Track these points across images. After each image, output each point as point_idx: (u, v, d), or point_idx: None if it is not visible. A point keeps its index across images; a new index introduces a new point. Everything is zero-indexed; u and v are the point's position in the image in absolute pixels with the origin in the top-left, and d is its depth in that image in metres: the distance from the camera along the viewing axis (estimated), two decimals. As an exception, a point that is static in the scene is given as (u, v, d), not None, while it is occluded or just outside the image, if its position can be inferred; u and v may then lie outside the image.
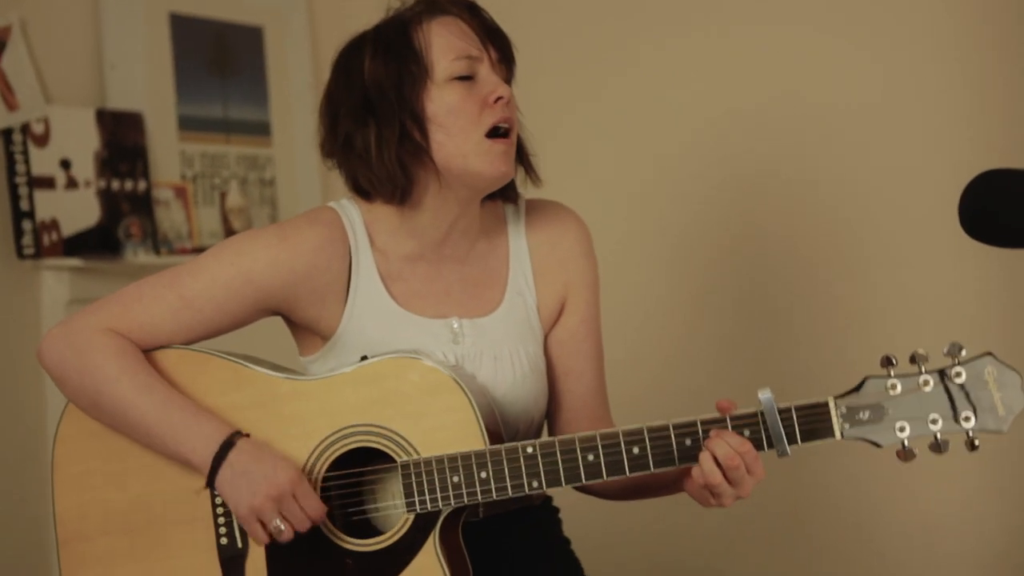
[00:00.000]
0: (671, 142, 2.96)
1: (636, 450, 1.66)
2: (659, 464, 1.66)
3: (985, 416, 1.60)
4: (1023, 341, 2.48)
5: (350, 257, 1.80)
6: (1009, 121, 2.59)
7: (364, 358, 1.74)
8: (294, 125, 3.36)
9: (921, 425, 1.61)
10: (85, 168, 2.89)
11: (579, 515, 2.04)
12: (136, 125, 2.99)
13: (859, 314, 2.75)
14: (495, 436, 1.74)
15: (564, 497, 1.97)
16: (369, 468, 1.74)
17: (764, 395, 1.63)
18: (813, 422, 1.63)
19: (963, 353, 1.61)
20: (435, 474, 1.69)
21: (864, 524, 2.74)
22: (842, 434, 1.63)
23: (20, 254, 2.78)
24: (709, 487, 1.64)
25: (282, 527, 1.67)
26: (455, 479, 1.69)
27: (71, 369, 1.74)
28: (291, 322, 1.85)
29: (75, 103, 2.92)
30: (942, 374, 1.61)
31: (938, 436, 1.61)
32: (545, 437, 1.84)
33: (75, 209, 2.85)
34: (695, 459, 1.65)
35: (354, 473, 1.73)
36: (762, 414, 1.63)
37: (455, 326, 1.81)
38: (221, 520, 1.74)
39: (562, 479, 1.68)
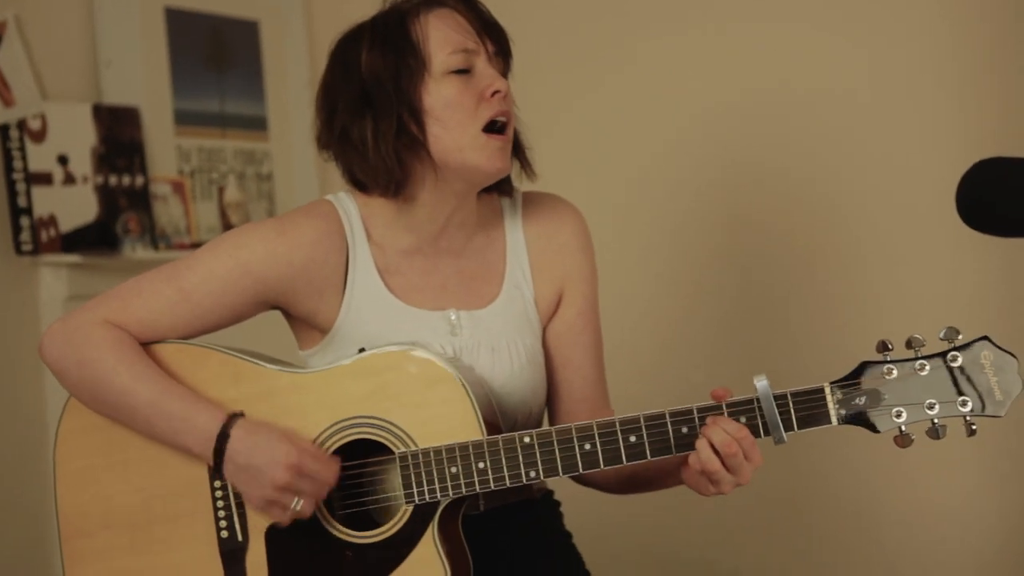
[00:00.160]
0: (668, 136, 2.97)
1: (633, 439, 1.66)
2: (656, 452, 1.66)
3: (982, 400, 1.60)
4: (1020, 328, 2.48)
5: (347, 250, 1.80)
6: (1004, 111, 2.59)
7: (362, 350, 1.74)
8: (291, 119, 3.36)
9: (918, 410, 1.61)
10: (82, 164, 2.89)
11: (579, 507, 2.04)
12: (133, 120, 3.00)
13: (855, 303, 2.75)
14: (492, 427, 1.74)
15: (564, 489, 1.97)
16: (368, 460, 1.74)
17: (760, 382, 1.63)
18: (809, 408, 1.63)
19: (959, 338, 1.61)
20: (433, 465, 1.69)
21: (863, 513, 2.75)
22: (838, 420, 1.63)
23: (18, 250, 2.78)
24: (707, 474, 1.64)
25: (300, 505, 1.68)
26: (453, 470, 1.69)
27: (71, 362, 1.75)
28: (290, 316, 1.85)
29: (71, 98, 2.92)
30: (938, 358, 1.61)
31: (935, 421, 1.61)
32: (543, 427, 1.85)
33: (73, 205, 2.85)
34: (692, 447, 1.65)
35: (353, 465, 1.74)
36: (758, 400, 1.64)
37: (453, 318, 1.81)
38: (221, 513, 1.74)
39: (559, 469, 1.68)
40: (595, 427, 1.67)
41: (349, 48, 1.79)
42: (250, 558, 1.73)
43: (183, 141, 3.12)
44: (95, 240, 2.88)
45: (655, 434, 1.66)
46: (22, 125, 2.79)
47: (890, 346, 1.62)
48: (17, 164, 2.78)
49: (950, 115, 2.64)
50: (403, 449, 1.71)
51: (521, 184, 1.89)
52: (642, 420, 1.66)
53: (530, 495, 1.87)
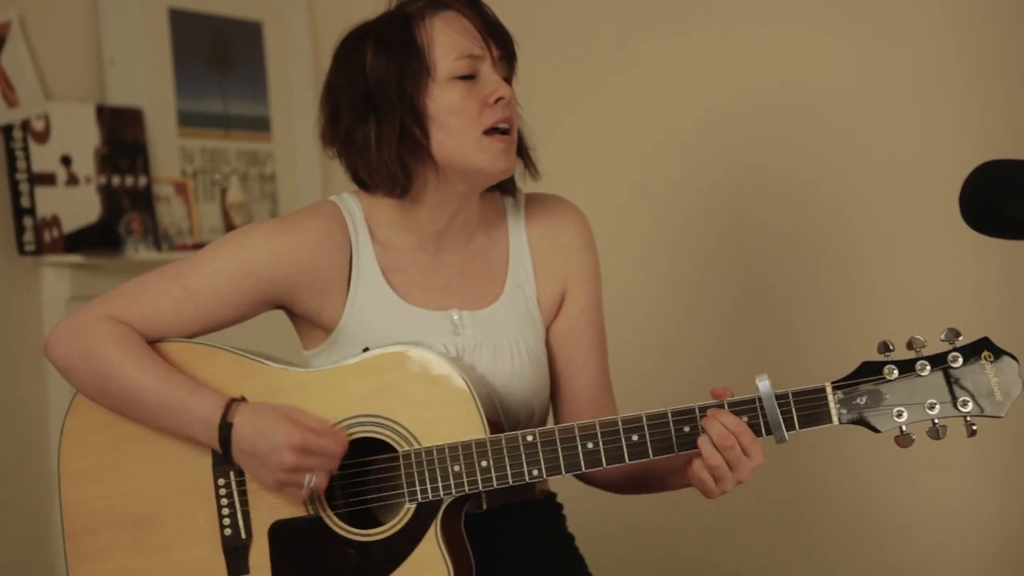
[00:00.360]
0: (670, 137, 2.97)
1: (635, 438, 1.67)
2: (658, 451, 1.67)
3: (983, 401, 1.61)
4: (1020, 330, 2.48)
5: (350, 250, 1.81)
6: (1006, 113, 2.59)
7: (366, 350, 1.75)
8: (294, 120, 3.37)
9: (919, 410, 1.62)
10: (85, 164, 2.89)
11: (580, 507, 2.05)
12: (136, 121, 3.00)
13: (857, 304, 2.76)
14: (495, 426, 1.75)
15: (567, 491, 1.98)
16: (371, 458, 1.75)
17: (762, 381, 1.64)
18: (810, 408, 1.63)
19: (960, 339, 1.62)
20: (436, 463, 1.70)
21: (864, 515, 2.75)
22: (839, 419, 1.63)
23: (21, 251, 2.78)
24: (711, 470, 1.64)
25: (313, 482, 1.68)
26: (456, 468, 1.69)
27: (76, 358, 1.76)
28: (293, 315, 1.86)
29: (75, 99, 2.92)
30: (939, 359, 1.62)
31: (936, 422, 1.62)
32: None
33: (76, 205, 2.86)
34: (694, 446, 1.66)
35: (356, 463, 1.74)
36: (760, 400, 1.64)
37: (455, 318, 1.82)
38: (225, 511, 1.75)
39: (562, 467, 1.69)
40: (597, 426, 1.67)
41: (354, 48, 1.79)
42: (253, 556, 1.74)
43: (186, 142, 3.13)
44: (98, 241, 2.89)
45: (657, 433, 1.66)
46: (26, 125, 2.79)
47: (891, 347, 1.63)
48: (20, 164, 2.78)
49: (952, 117, 2.64)
50: (406, 447, 1.71)
51: (524, 185, 1.90)
52: (644, 419, 1.67)
53: (532, 496, 1.87)
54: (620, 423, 1.67)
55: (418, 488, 1.70)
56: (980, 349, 1.61)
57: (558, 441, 1.68)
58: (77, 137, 2.88)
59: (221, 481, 1.75)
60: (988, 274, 2.60)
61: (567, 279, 1.89)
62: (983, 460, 2.61)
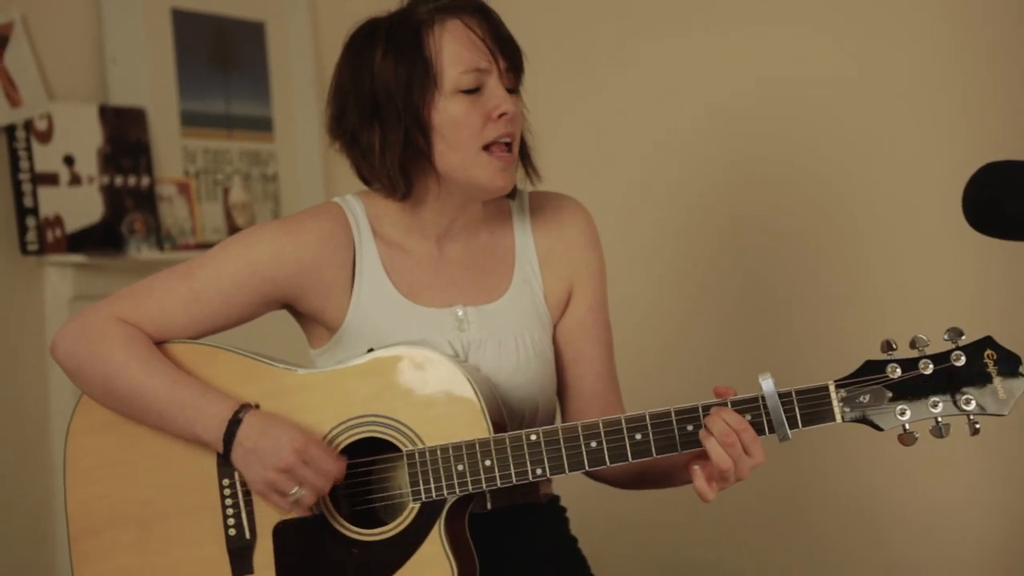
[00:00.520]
0: (670, 137, 2.97)
1: (639, 436, 1.67)
2: (661, 450, 1.67)
3: (986, 399, 1.61)
4: (1021, 329, 2.49)
5: (354, 249, 1.82)
6: (1007, 114, 2.60)
7: (371, 350, 1.75)
8: (296, 121, 3.37)
9: (922, 408, 1.62)
10: (88, 164, 2.90)
11: (582, 506, 2.05)
12: (139, 121, 3.00)
13: (859, 304, 2.76)
14: (499, 425, 1.75)
15: (569, 491, 1.98)
16: (375, 458, 1.75)
17: (765, 380, 1.64)
18: (813, 406, 1.64)
19: (963, 338, 1.62)
20: (440, 463, 1.70)
21: (865, 511, 2.75)
22: (842, 418, 1.64)
23: (24, 250, 2.79)
24: (720, 472, 1.64)
25: (300, 493, 1.69)
26: (460, 467, 1.70)
27: (83, 359, 1.77)
28: (299, 315, 1.87)
29: (78, 99, 2.93)
30: (942, 358, 1.62)
31: (939, 420, 1.62)
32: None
33: (78, 205, 2.86)
34: (697, 445, 1.66)
35: (361, 463, 1.75)
36: (763, 398, 1.64)
37: (460, 314, 1.82)
38: (230, 511, 1.75)
39: (566, 466, 1.69)
40: (601, 425, 1.68)
41: (364, 47, 1.79)
42: (258, 556, 1.74)
43: (189, 142, 3.13)
44: (100, 240, 2.89)
45: (661, 432, 1.67)
46: (28, 125, 2.80)
47: (894, 345, 1.63)
48: (23, 164, 2.79)
49: (953, 117, 2.65)
50: (410, 447, 1.72)
51: (526, 187, 1.91)
52: (648, 418, 1.67)
53: (536, 499, 1.88)
54: (624, 422, 1.67)
55: (422, 488, 1.71)
56: (983, 348, 1.62)
57: (562, 440, 1.69)
58: (80, 137, 2.89)
59: (226, 481, 1.75)
60: (989, 274, 2.61)
61: (573, 276, 1.90)
62: (984, 458, 2.61)
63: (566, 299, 1.90)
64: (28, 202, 2.78)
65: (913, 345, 1.63)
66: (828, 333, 2.78)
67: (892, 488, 2.72)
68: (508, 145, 1.78)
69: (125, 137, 2.97)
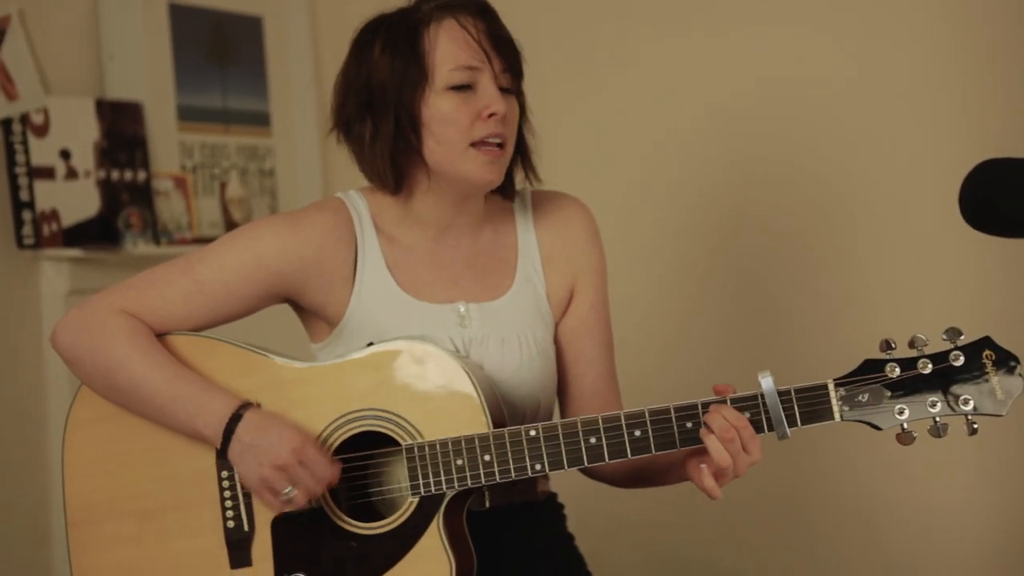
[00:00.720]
0: (670, 137, 2.98)
1: (638, 433, 1.67)
2: (660, 447, 1.67)
3: (984, 400, 1.61)
4: (1021, 329, 2.49)
5: (356, 245, 1.82)
6: (1006, 112, 2.60)
7: (371, 344, 1.75)
8: (294, 115, 3.37)
9: (920, 408, 1.63)
10: (85, 158, 2.89)
11: (580, 504, 2.05)
12: (135, 115, 3.00)
13: (858, 303, 2.76)
14: (498, 421, 1.75)
15: (567, 489, 1.98)
16: (374, 451, 1.75)
17: (764, 378, 1.65)
18: (812, 405, 1.64)
19: (961, 338, 1.62)
20: (439, 457, 1.70)
21: (863, 511, 2.76)
22: (841, 416, 1.64)
23: (20, 244, 2.79)
24: (719, 470, 1.65)
25: (293, 493, 1.69)
26: (459, 462, 1.70)
27: (84, 350, 1.77)
28: (300, 309, 1.87)
29: (74, 93, 2.93)
30: (941, 358, 1.62)
31: (937, 420, 1.63)
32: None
33: (75, 199, 2.86)
34: (696, 442, 1.66)
35: (359, 457, 1.75)
36: (762, 396, 1.65)
37: (462, 310, 1.83)
38: (228, 503, 1.75)
39: (565, 462, 1.69)
40: (600, 421, 1.68)
41: (367, 41, 1.81)
42: (256, 548, 1.74)
43: (186, 136, 3.13)
44: (97, 235, 2.89)
45: (660, 429, 1.67)
46: (25, 119, 2.80)
47: (893, 345, 1.64)
48: (19, 158, 2.79)
49: (952, 116, 2.65)
50: (409, 441, 1.71)
51: (527, 188, 1.91)
52: (647, 415, 1.67)
53: (534, 496, 1.88)
54: (623, 418, 1.68)
55: (420, 482, 1.71)
56: (982, 348, 1.62)
57: (561, 436, 1.69)
58: (76, 131, 2.88)
59: (224, 474, 1.75)
60: (988, 273, 2.61)
61: (575, 274, 1.90)
62: (982, 458, 2.62)
63: (568, 298, 1.90)
64: (24, 196, 2.78)
65: (912, 344, 1.63)
66: (827, 332, 2.78)
67: (890, 487, 2.73)
68: (499, 145, 1.78)
69: (122, 131, 2.96)
